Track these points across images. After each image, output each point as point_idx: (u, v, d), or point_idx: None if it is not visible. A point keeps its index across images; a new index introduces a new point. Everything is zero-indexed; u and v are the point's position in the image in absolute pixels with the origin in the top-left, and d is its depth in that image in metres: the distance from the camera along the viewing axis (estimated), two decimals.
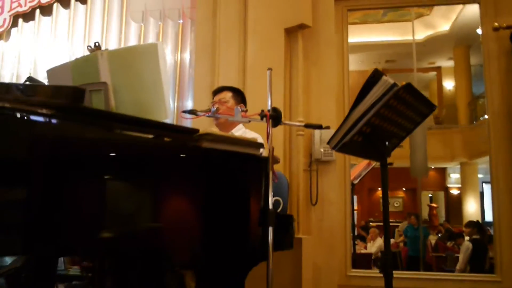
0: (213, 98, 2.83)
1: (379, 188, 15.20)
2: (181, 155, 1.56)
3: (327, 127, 3.33)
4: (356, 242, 6.92)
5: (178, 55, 4.15)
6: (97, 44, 2.07)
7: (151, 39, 4.25)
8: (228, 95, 2.75)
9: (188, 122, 3.97)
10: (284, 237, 2.05)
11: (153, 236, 1.41)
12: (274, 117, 1.91)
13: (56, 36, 4.42)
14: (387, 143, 1.92)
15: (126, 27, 4.27)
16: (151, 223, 1.42)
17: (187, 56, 4.16)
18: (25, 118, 1.06)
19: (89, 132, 1.22)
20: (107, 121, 1.29)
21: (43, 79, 4.10)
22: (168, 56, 4.20)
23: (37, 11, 4.47)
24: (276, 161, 2.03)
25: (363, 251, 7.54)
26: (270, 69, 1.97)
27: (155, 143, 1.45)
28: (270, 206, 1.88)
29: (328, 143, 1.82)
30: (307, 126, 1.98)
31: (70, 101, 1.26)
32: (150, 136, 1.47)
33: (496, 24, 3.20)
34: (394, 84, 1.68)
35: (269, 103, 1.92)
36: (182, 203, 1.57)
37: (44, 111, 1.11)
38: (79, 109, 1.23)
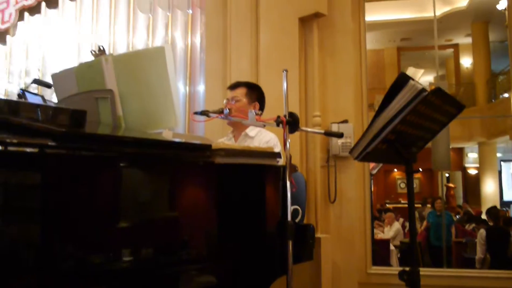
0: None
1: (395, 170, 15.05)
2: (194, 172, 1.46)
3: (345, 121, 3.23)
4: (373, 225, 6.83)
5: (188, 39, 4.03)
6: (101, 48, 1.96)
7: (159, 30, 4.13)
8: (242, 92, 2.62)
9: (201, 104, 3.91)
10: (304, 248, 1.95)
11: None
12: (291, 123, 1.78)
13: (63, 29, 4.32)
14: (412, 148, 1.79)
15: (134, 18, 4.15)
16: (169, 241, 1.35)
17: (197, 40, 4.03)
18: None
19: (98, 164, 1.13)
20: (115, 146, 1.19)
21: (52, 73, 4.04)
22: (178, 41, 4.08)
23: (43, 4, 4.36)
24: (294, 169, 1.92)
25: (380, 235, 7.45)
26: (285, 70, 1.83)
27: (167, 165, 1.34)
28: (289, 217, 1.77)
29: (350, 153, 1.69)
30: (327, 134, 1.85)
31: (70, 126, 1.15)
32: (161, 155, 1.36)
33: None
34: (423, 89, 1.54)
35: (285, 108, 1.79)
36: (196, 222, 1.48)
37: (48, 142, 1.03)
38: (85, 136, 1.13)
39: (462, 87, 13.54)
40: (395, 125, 1.59)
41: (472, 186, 14.15)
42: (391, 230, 7.49)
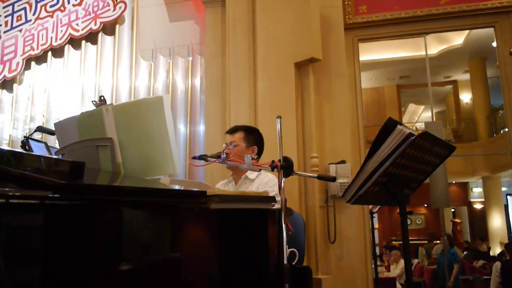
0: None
1: None
2: (191, 218, 1.50)
3: (343, 162, 3.28)
4: (378, 263, 6.73)
5: (188, 81, 4.17)
6: (102, 98, 2.05)
7: (161, 75, 4.27)
8: (240, 136, 2.68)
9: (201, 144, 4.00)
10: None
11: None
12: (285, 167, 1.83)
13: (68, 77, 4.46)
14: (405, 190, 1.83)
15: (136, 65, 4.29)
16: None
17: (197, 82, 4.17)
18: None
19: (96, 213, 1.18)
20: (113, 195, 1.24)
21: (56, 119, 4.15)
22: (179, 83, 4.22)
23: (49, 53, 4.53)
24: (289, 212, 1.96)
25: (386, 274, 7.33)
26: (279, 117, 1.90)
27: (163, 212, 1.39)
28: (285, 260, 1.80)
29: (343, 196, 1.74)
30: (320, 178, 1.89)
31: (68, 177, 1.21)
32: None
33: None
34: (410, 134, 1.60)
35: (280, 153, 1.84)
36: (194, 266, 1.51)
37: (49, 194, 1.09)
38: (82, 188, 1.18)
39: (463, 123, 13.64)
40: (386, 168, 1.64)
41: (479, 220, 14.00)
42: (397, 268, 7.37)
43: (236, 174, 2.73)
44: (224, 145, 2.73)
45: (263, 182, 2.60)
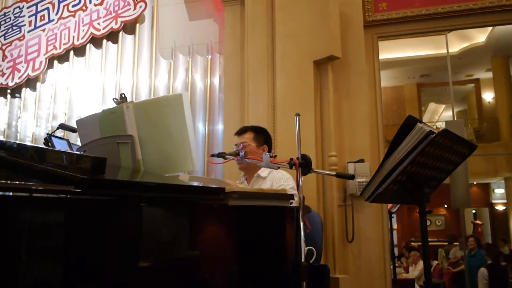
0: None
1: None
2: (210, 215, 1.52)
3: (361, 160, 3.25)
4: (396, 264, 6.65)
5: (207, 80, 4.19)
6: (123, 95, 2.08)
7: (180, 74, 4.30)
8: (249, 136, 2.70)
9: (219, 143, 4.01)
10: None
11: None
12: (304, 165, 1.83)
13: (89, 75, 4.54)
14: (425, 188, 1.81)
15: (156, 64, 4.34)
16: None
17: (216, 80, 4.19)
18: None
19: (117, 208, 1.20)
20: (132, 191, 1.26)
21: (77, 117, 4.23)
22: (198, 82, 4.24)
23: (71, 52, 4.61)
24: (307, 210, 1.95)
25: (405, 275, 7.25)
26: (298, 114, 1.90)
27: (183, 208, 1.40)
28: (303, 258, 1.79)
29: (361, 194, 1.73)
30: (339, 176, 1.89)
31: (90, 173, 1.23)
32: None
33: None
34: (430, 132, 1.58)
35: (298, 151, 1.84)
36: (212, 262, 1.52)
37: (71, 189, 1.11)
38: (104, 183, 1.20)
39: (485, 122, 13.37)
40: (405, 167, 1.63)
41: (501, 222, 13.71)
42: (416, 270, 7.29)
43: (248, 174, 2.75)
44: (234, 146, 2.72)
45: (276, 178, 2.61)
